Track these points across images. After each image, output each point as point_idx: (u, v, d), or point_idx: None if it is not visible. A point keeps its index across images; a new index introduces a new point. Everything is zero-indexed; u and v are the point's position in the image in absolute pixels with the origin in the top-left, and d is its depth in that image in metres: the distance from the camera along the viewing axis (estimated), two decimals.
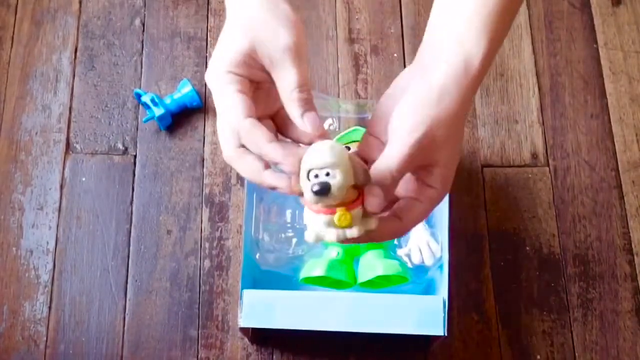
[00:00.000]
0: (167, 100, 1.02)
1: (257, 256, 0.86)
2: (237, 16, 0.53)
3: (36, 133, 1.03)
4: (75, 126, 1.04)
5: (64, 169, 1.01)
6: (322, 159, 0.49)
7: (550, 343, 0.93)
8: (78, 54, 1.08)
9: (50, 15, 1.10)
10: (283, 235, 0.87)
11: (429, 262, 0.85)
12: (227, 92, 0.52)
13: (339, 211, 0.49)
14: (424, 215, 0.53)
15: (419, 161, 0.51)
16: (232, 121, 0.51)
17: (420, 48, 0.54)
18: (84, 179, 1.01)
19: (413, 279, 0.84)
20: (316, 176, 0.49)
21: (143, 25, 1.10)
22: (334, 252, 0.84)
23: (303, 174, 0.50)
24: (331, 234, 0.50)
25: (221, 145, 0.53)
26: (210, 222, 0.98)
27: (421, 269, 0.86)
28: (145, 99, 1.01)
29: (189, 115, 1.04)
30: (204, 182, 1.00)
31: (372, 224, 0.50)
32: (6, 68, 1.07)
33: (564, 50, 1.09)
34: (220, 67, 0.52)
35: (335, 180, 0.48)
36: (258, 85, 0.54)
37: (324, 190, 0.48)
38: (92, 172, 1.01)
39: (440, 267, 0.84)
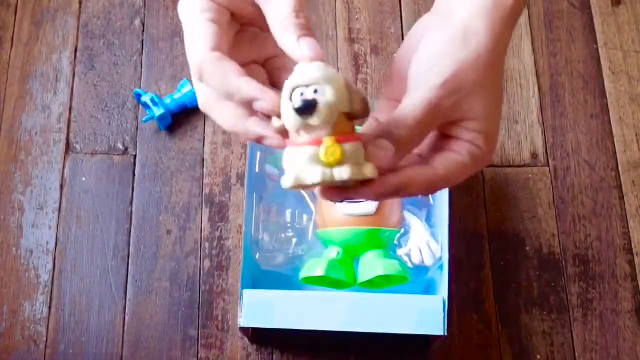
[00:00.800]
0: (167, 100, 1.02)
1: (257, 256, 0.86)
2: None
3: (36, 133, 1.03)
4: (75, 126, 1.04)
5: (64, 169, 1.01)
6: (309, 74, 0.40)
7: (550, 343, 0.93)
8: (78, 54, 1.08)
9: (50, 15, 1.10)
10: (283, 235, 0.87)
11: (429, 262, 0.85)
12: (196, 21, 0.43)
13: (327, 140, 0.39)
14: (464, 170, 0.44)
15: (446, 114, 0.43)
16: (194, 55, 0.42)
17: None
18: (84, 179, 1.01)
19: (413, 279, 0.84)
20: (301, 94, 0.39)
21: (143, 25, 1.10)
22: (334, 252, 0.84)
23: (286, 94, 0.40)
24: (315, 174, 0.39)
25: (196, 92, 0.46)
26: (210, 222, 0.98)
27: (421, 269, 0.86)
28: (145, 99, 1.01)
29: (189, 115, 1.04)
30: (204, 182, 1.00)
31: (370, 169, 0.40)
32: (6, 68, 1.07)
33: (564, 50, 1.09)
34: None
35: (325, 97, 0.39)
36: (242, 28, 0.46)
37: (308, 106, 0.39)
38: (92, 172, 1.01)
39: (440, 267, 0.84)
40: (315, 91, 0.39)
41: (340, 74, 0.41)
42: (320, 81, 0.39)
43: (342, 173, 0.39)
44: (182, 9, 0.44)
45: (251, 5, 0.44)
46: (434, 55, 0.43)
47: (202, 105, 0.45)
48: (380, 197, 0.42)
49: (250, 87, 0.41)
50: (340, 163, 0.39)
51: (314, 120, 0.39)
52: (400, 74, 0.45)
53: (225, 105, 0.44)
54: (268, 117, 0.43)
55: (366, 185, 0.41)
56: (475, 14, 0.43)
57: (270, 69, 0.47)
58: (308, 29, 0.43)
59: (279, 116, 0.41)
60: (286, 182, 0.40)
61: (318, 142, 0.39)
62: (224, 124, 0.44)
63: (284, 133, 0.42)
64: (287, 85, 0.40)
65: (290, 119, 0.39)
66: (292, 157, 0.40)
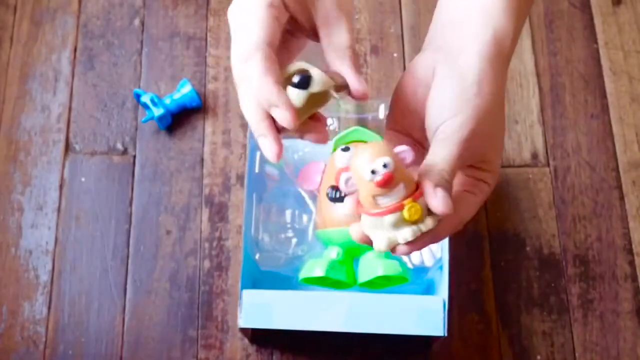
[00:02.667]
0: (167, 101, 1.02)
1: (257, 256, 0.86)
2: None
3: (35, 133, 1.03)
4: (75, 126, 1.04)
5: (63, 169, 1.01)
6: (294, 66, 0.48)
7: (550, 343, 0.93)
8: (77, 54, 1.08)
9: (49, 15, 1.10)
10: (283, 236, 0.87)
11: (429, 262, 0.85)
12: (263, 11, 0.46)
13: (407, 203, 0.46)
14: (478, 206, 0.50)
15: (469, 159, 0.48)
16: (251, 40, 0.46)
17: (433, 28, 0.50)
18: (83, 179, 1.01)
19: (413, 279, 0.84)
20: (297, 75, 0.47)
21: (143, 25, 1.10)
22: (334, 253, 0.84)
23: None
24: (406, 232, 0.46)
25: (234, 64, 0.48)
26: (210, 222, 0.98)
27: (421, 269, 0.86)
28: (145, 99, 1.01)
29: (188, 116, 1.04)
30: (204, 182, 1.00)
31: (437, 217, 0.47)
32: (5, 68, 1.07)
33: (564, 50, 1.09)
34: None
35: (313, 72, 0.47)
36: (296, 28, 0.51)
37: (305, 78, 0.46)
38: (91, 172, 1.01)
39: (440, 267, 0.84)
40: (305, 70, 0.47)
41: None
42: (304, 65, 0.48)
43: (428, 224, 0.46)
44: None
45: (305, 20, 0.49)
46: (453, 106, 0.46)
47: (237, 75, 0.48)
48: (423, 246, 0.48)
49: (279, 96, 0.46)
50: (421, 219, 0.46)
51: (314, 87, 0.46)
52: (406, 108, 0.49)
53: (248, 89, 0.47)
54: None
55: (431, 235, 0.47)
56: (483, 61, 0.46)
57: None
58: (359, 67, 0.49)
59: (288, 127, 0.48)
60: (380, 246, 0.47)
61: (400, 208, 0.46)
62: (247, 106, 0.48)
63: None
64: (288, 71, 0.47)
65: (293, 97, 0.47)
66: (376, 223, 0.47)
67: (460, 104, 0.46)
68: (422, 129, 0.50)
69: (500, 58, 0.47)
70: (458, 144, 0.46)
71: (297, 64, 0.48)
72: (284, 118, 0.46)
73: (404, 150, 0.48)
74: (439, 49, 0.48)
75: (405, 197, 0.46)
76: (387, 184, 0.45)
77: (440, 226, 0.47)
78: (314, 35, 0.51)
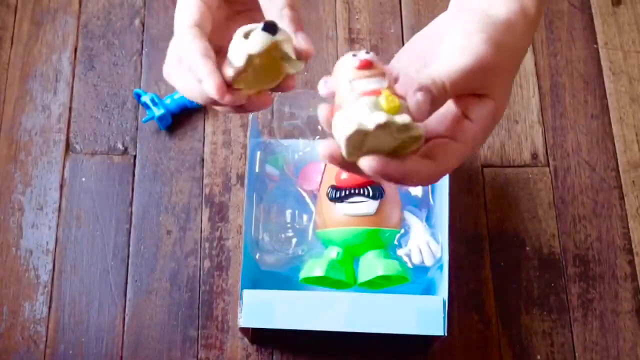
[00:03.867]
0: (167, 101, 1.02)
1: (257, 256, 0.86)
2: None
3: (36, 133, 1.03)
4: (75, 126, 1.04)
5: (63, 169, 1.01)
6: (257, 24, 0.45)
7: (550, 343, 0.93)
8: (78, 54, 1.08)
9: (50, 16, 1.10)
10: (283, 235, 0.87)
11: (429, 262, 0.85)
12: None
13: (385, 91, 0.43)
14: (462, 157, 0.46)
15: (474, 85, 0.45)
16: (178, 25, 0.48)
17: None
18: (83, 179, 1.01)
19: (413, 279, 0.84)
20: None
21: (143, 25, 1.10)
22: (334, 253, 0.84)
23: (239, 36, 0.45)
24: (379, 117, 0.42)
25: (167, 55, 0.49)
26: (210, 222, 0.98)
27: (421, 269, 0.86)
28: (145, 99, 1.01)
29: (189, 116, 1.04)
30: (204, 182, 1.00)
31: (418, 128, 0.43)
32: (6, 68, 1.07)
33: (564, 50, 1.09)
34: None
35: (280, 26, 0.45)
36: (230, 12, 0.50)
37: (272, 25, 0.44)
38: (92, 172, 1.01)
39: (440, 267, 0.84)
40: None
41: None
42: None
43: (404, 117, 0.42)
44: None
45: None
46: (477, 26, 0.45)
47: (165, 72, 0.49)
48: (386, 176, 0.44)
49: (202, 67, 0.45)
50: (397, 112, 0.42)
51: (281, 35, 0.44)
52: (414, 52, 0.48)
53: (181, 70, 0.48)
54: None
55: (403, 170, 0.43)
56: (513, 14, 0.46)
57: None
58: (301, 24, 0.47)
59: (214, 103, 0.46)
60: (347, 130, 0.42)
61: (377, 93, 0.42)
62: (181, 89, 0.48)
63: (226, 88, 0.46)
64: (239, 31, 0.45)
65: (255, 44, 0.44)
66: (348, 113, 0.43)
67: (487, 26, 0.45)
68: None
69: (525, 22, 0.46)
70: (474, 56, 0.44)
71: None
72: (210, 87, 0.45)
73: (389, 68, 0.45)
74: (464, 7, 0.48)
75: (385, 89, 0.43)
76: (366, 66, 0.43)
77: (411, 169, 0.44)
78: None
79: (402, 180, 0.44)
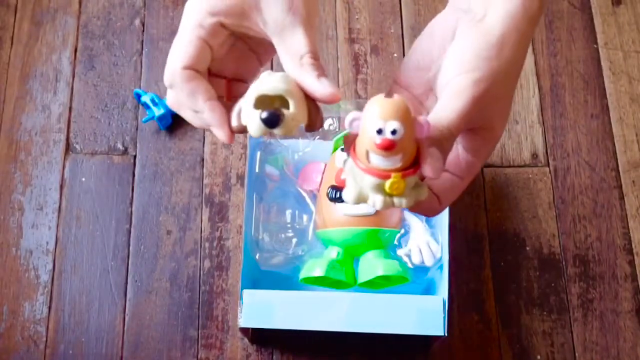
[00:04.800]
0: None
1: (257, 256, 0.86)
2: None
3: (36, 133, 1.03)
4: (75, 126, 1.04)
5: (63, 169, 1.01)
6: (273, 84, 0.43)
7: (550, 343, 0.93)
8: (78, 54, 1.08)
9: (50, 15, 1.10)
10: (283, 235, 0.87)
11: (429, 262, 0.85)
12: (187, 32, 0.46)
13: (394, 177, 0.43)
14: (461, 192, 0.48)
15: (474, 120, 0.45)
16: (170, 65, 0.46)
17: None
18: (83, 179, 1.01)
19: (413, 279, 0.84)
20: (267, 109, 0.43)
21: (143, 25, 1.10)
22: (334, 253, 0.84)
23: (250, 99, 0.44)
24: (378, 200, 0.43)
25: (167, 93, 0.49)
26: (210, 222, 0.98)
27: (421, 269, 0.86)
28: (145, 99, 1.01)
29: None
30: (204, 182, 1.00)
31: (423, 194, 0.44)
32: (6, 68, 1.07)
33: (564, 50, 1.09)
34: (202, 4, 0.45)
35: (288, 110, 0.43)
36: (235, 43, 0.48)
37: (274, 119, 0.43)
38: (92, 172, 1.01)
39: (440, 267, 0.84)
40: (278, 109, 0.43)
41: (298, 84, 0.44)
42: (284, 92, 0.43)
43: (402, 203, 0.43)
44: (186, 10, 0.46)
45: (256, 33, 0.46)
46: (472, 63, 0.44)
47: (171, 105, 0.48)
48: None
49: (211, 115, 0.45)
50: (400, 195, 0.43)
51: (278, 131, 0.43)
52: (417, 63, 0.48)
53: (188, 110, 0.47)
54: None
55: (418, 207, 0.45)
56: (509, 23, 0.44)
57: (231, 88, 0.50)
58: (323, 70, 0.45)
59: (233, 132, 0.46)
60: (348, 197, 0.44)
61: (386, 177, 0.43)
62: (191, 121, 0.48)
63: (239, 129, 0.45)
64: (252, 90, 0.43)
65: (254, 125, 0.43)
66: (358, 176, 0.44)
67: (479, 61, 0.44)
68: (426, 86, 0.48)
69: (526, 20, 0.45)
70: (470, 99, 0.44)
71: (279, 80, 0.45)
72: (220, 136, 0.46)
73: (424, 122, 0.43)
74: (462, 10, 0.47)
75: (398, 169, 0.43)
76: (386, 149, 0.42)
77: (417, 206, 0.45)
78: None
79: (408, 208, 0.45)
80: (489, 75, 0.44)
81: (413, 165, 0.44)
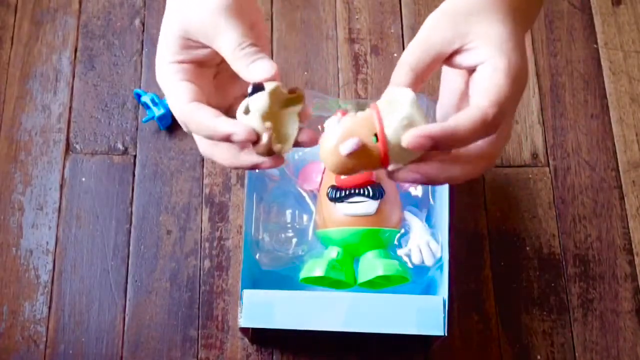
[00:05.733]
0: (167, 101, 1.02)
1: (257, 256, 0.86)
2: (169, 5, 0.50)
3: (36, 133, 1.03)
4: (75, 126, 1.04)
5: (63, 169, 1.01)
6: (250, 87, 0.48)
7: (550, 343, 0.93)
8: (78, 54, 1.08)
9: (50, 15, 1.10)
10: (283, 235, 0.87)
11: (429, 262, 0.85)
12: (170, 83, 0.49)
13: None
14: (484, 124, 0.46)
15: (444, 42, 0.47)
16: (176, 112, 0.49)
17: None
18: (83, 179, 1.01)
19: (413, 279, 0.84)
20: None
21: (143, 25, 1.10)
22: (334, 253, 0.84)
23: (241, 110, 0.48)
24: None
25: (196, 142, 0.51)
26: (210, 222, 0.98)
27: (421, 269, 0.86)
28: (145, 99, 1.01)
29: None
30: (204, 182, 1.00)
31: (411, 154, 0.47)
32: (6, 68, 1.07)
33: (564, 50, 1.09)
34: (162, 60, 0.50)
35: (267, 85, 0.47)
36: (219, 68, 0.51)
37: (257, 88, 0.47)
38: (92, 172, 1.01)
39: (440, 267, 0.84)
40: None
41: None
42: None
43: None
44: (158, 77, 0.50)
45: (211, 50, 0.49)
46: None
47: (203, 153, 0.50)
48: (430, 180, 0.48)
49: (223, 125, 0.46)
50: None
51: (258, 100, 0.47)
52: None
53: (218, 147, 0.49)
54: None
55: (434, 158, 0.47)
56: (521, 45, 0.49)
57: None
58: (256, 53, 0.48)
59: (254, 142, 0.48)
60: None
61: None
62: (223, 162, 0.50)
63: (274, 157, 0.49)
64: (239, 111, 0.48)
65: (242, 106, 0.47)
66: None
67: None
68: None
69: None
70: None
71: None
72: (244, 137, 0.47)
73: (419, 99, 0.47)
74: (467, 35, 0.48)
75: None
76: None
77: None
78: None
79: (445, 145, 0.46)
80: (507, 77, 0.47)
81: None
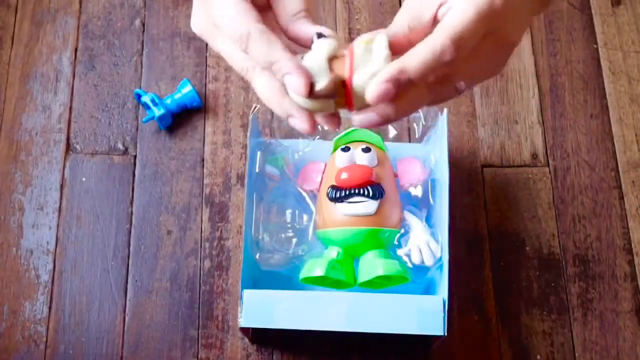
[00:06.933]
0: (167, 101, 1.02)
1: (257, 256, 0.86)
2: None
3: (36, 133, 1.03)
4: (75, 126, 1.04)
5: (64, 169, 1.01)
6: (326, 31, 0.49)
7: (550, 343, 0.94)
8: (78, 54, 1.08)
9: (50, 16, 1.10)
10: (283, 235, 0.87)
11: (429, 262, 0.85)
12: (234, 1, 0.47)
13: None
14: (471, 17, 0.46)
15: (478, 32, 0.46)
16: (241, 26, 0.46)
17: None
18: (84, 179, 1.01)
19: (413, 279, 0.84)
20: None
21: (143, 25, 1.10)
22: (334, 253, 0.84)
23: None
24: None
25: (232, 61, 0.49)
26: (210, 222, 0.98)
27: (421, 269, 0.86)
28: (146, 99, 1.01)
29: (189, 116, 1.04)
30: (204, 182, 1.01)
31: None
32: (6, 68, 1.07)
33: (564, 50, 1.09)
34: None
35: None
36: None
37: (324, 31, 0.47)
38: (92, 172, 1.01)
39: (440, 267, 0.84)
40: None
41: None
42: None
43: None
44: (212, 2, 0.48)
45: None
46: None
47: (240, 71, 0.48)
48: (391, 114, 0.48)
49: (289, 62, 0.45)
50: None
51: (326, 42, 0.47)
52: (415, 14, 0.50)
53: (265, 76, 0.47)
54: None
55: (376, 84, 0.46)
56: None
57: None
58: (313, 24, 0.48)
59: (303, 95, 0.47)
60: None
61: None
62: (261, 93, 0.48)
63: (310, 119, 0.48)
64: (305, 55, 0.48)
65: (312, 54, 0.48)
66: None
67: None
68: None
69: None
70: (472, 12, 0.45)
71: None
72: (298, 85, 0.46)
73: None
74: None
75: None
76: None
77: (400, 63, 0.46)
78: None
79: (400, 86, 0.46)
80: None
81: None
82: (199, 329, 0.93)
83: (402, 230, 0.86)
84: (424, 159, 0.90)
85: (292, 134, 0.94)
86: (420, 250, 0.85)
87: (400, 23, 0.50)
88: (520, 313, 0.95)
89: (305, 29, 0.47)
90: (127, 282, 0.96)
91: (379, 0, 1.12)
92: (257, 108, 0.88)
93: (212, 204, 0.99)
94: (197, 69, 1.07)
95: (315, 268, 0.82)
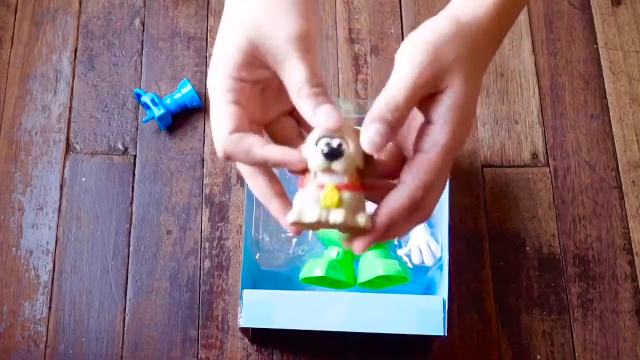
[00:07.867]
0: (167, 101, 1.02)
1: (257, 256, 0.86)
2: (234, 10, 0.47)
3: (36, 133, 1.03)
4: (75, 126, 1.04)
5: (64, 169, 1.01)
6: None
7: (550, 343, 0.93)
8: (78, 54, 1.08)
9: (50, 16, 1.10)
10: (283, 236, 0.87)
11: (429, 262, 0.85)
12: (220, 102, 0.47)
13: (327, 187, 0.43)
14: (439, 167, 0.45)
15: (427, 86, 0.44)
16: (217, 139, 0.46)
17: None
18: (84, 179, 1.01)
19: (413, 279, 0.84)
20: (327, 144, 0.44)
21: (143, 25, 1.10)
22: (334, 253, 0.84)
23: (312, 141, 0.44)
24: (313, 213, 0.44)
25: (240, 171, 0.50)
26: (210, 222, 0.98)
27: (421, 269, 0.86)
28: (145, 99, 1.01)
29: (189, 115, 1.04)
30: (204, 182, 1.00)
31: (363, 218, 0.44)
32: (6, 68, 1.07)
33: (564, 50, 1.09)
34: (221, 71, 0.47)
35: (349, 149, 0.43)
36: (267, 83, 0.49)
37: (336, 152, 0.43)
38: (92, 172, 1.01)
39: (440, 267, 0.84)
40: (340, 144, 0.44)
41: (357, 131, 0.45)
42: (346, 133, 0.44)
43: (336, 217, 0.43)
44: (209, 85, 0.47)
45: (269, 69, 0.47)
46: (417, 40, 0.45)
47: (251, 186, 0.49)
48: (377, 241, 0.46)
49: (275, 154, 0.45)
50: (336, 207, 0.43)
51: (337, 165, 0.44)
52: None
53: (256, 179, 0.48)
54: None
55: (360, 236, 0.45)
56: (472, 2, 0.46)
57: (298, 116, 0.49)
58: (322, 96, 0.45)
59: (303, 172, 0.46)
60: (290, 217, 0.45)
61: (322, 187, 0.43)
62: (255, 194, 0.49)
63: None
64: (313, 136, 0.45)
65: (315, 161, 0.44)
66: (300, 197, 0.45)
67: (429, 34, 0.45)
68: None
69: (499, 4, 0.46)
70: (415, 65, 0.44)
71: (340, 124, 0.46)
72: (299, 167, 0.46)
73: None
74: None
75: (341, 185, 0.44)
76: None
77: (389, 212, 0.45)
78: None
79: (390, 233, 0.46)
80: (430, 42, 0.44)
81: (355, 184, 0.44)
82: (198, 329, 0.93)
83: None
84: None
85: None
86: (420, 250, 0.85)
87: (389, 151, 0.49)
88: (520, 313, 0.95)
89: (308, 114, 0.45)
90: (127, 282, 0.96)
91: (379, 0, 1.12)
92: None
93: (212, 204, 0.99)
94: (197, 68, 1.07)
95: (315, 268, 0.82)
